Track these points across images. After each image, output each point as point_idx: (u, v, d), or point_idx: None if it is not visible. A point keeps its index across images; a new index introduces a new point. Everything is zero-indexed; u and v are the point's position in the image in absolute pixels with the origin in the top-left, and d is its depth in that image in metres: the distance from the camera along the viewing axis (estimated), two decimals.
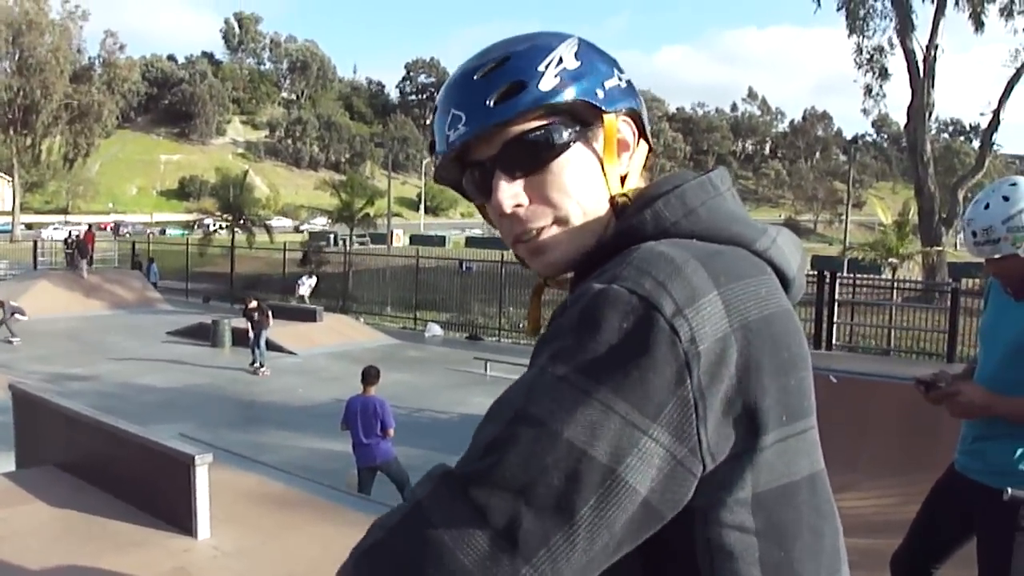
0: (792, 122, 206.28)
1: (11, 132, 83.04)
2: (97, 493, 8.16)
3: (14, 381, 12.01)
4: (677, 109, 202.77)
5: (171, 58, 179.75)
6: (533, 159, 1.39)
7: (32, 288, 34.10)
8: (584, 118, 1.41)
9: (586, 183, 1.41)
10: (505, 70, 1.38)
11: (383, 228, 57.67)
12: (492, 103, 1.37)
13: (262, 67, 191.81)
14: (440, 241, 74.23)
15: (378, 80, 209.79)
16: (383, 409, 11.12)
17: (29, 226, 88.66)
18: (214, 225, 54.27)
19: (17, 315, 26.82)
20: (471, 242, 74.74)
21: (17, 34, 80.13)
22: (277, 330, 24.83)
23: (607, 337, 1.15)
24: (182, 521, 7.22)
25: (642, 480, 1.14)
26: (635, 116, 1.48)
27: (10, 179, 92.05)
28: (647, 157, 1.51)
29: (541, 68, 1.38)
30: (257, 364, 22.11)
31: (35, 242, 49.41)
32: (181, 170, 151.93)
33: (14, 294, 32.71)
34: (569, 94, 1.38)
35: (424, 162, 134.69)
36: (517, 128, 1.37)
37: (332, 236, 63.17)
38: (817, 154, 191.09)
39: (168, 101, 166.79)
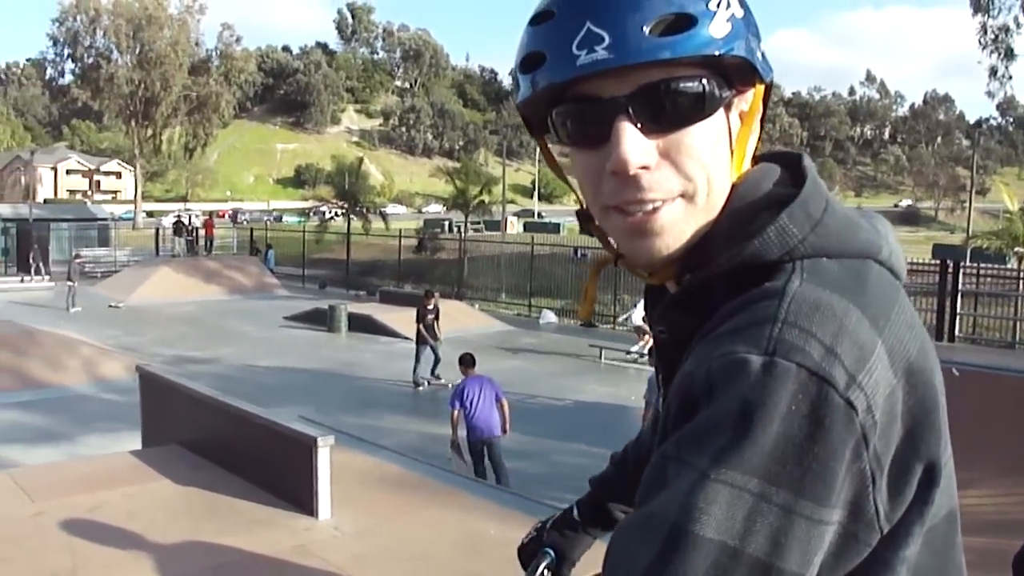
0: (912, 106, 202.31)
1: (133, 124, 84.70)
2: (219, 472, 8.32)
3: (141, 363, 12.30)
4: (793, 94, 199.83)
5: (286, 49, 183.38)
6: (678, 116, 1.14)
7: (154, 274, 35.03)
8: (732, 80, 1.18)
9: (719, 158, 1.18)
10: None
11: (497, 215, 57.65)
12: (649, 31, 1.10)
13: (375, 56, 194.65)
14: (555, 228, 74.05)
15: (491, 67, 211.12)
16: (495, 386, 12.20)
17: (150, 214, 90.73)
18: (330, 212, 54.92)
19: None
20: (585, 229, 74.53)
21: (137, 29, 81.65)
22: (391, 315, 25.11)
23: (778, 427, 0.97)
24: (303, 501, 7.33)
25: (819, 559, 1.01)
26: (768, 91, 1.26)
27: (132, 169, 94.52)
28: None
29: (712, 6, 1.12)
30: (429, 377, 19.27)
31: (156, 229, 50.48)
32: (297, 158, 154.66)
33: (137, 280, 33.84)
34: (738, 48, 1.14)
35: (537, 149, 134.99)
36: (665, 72, 1.12)
37: (447, 223, 63.56)
38: (939, 139, 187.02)
39: (284, 91, 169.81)
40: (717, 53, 1.12)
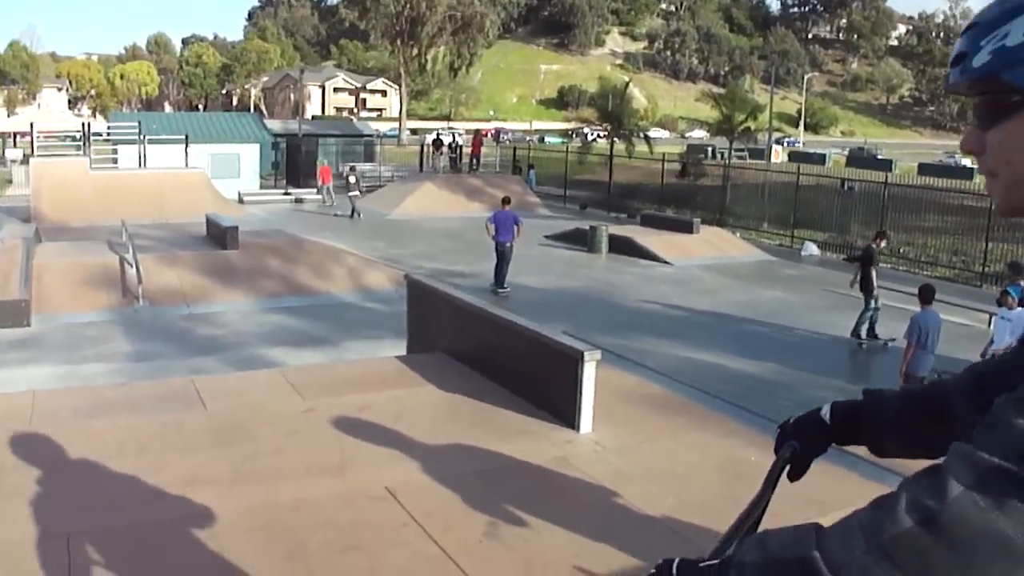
0: None
1: (398, 43, 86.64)
2: (483, 380, 8.38)
3: (408, 272, 12.58)
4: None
5: None
6: (983, 119, 1.45)
7: (417, 190, 35.95)
8: None
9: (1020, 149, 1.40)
10: (965, 38, 1.47)
11: (761, 143, 56.40)
12: (951, 66, 1.50)
13: None
14: (820, 159, 71.98)
15: None
16: (518, 217, 20.73)
17: (414, 132, 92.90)
18: (592, 134, 54.99)
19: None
20: (852, 161, 72.10)
21: None
22: (652, 239, 24.96)
23: None
24: (565, 414, 7.30)
25: None
26: None
27: (397, 88, 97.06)
28: None
29: (982, 43, 1.42)
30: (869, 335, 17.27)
31: (421, 146, 51.70)
32: (560, 80, 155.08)
33: (401, 195, 34.94)
34: (998, 72, 1.39)
35: (805, 77, 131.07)
36: (977, 89, 1.46)
37: (710, 149, 62.68)
38: None
39: (548, 12, 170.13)
40: (979, 78, 1.44)
